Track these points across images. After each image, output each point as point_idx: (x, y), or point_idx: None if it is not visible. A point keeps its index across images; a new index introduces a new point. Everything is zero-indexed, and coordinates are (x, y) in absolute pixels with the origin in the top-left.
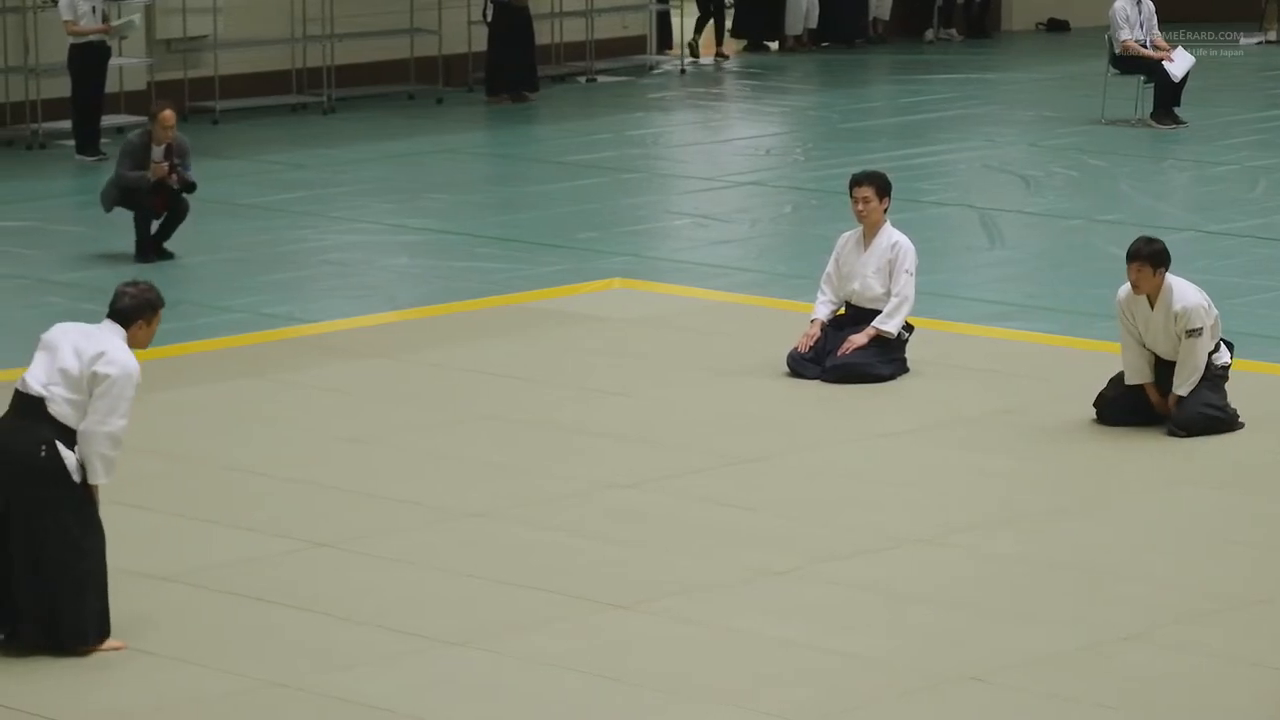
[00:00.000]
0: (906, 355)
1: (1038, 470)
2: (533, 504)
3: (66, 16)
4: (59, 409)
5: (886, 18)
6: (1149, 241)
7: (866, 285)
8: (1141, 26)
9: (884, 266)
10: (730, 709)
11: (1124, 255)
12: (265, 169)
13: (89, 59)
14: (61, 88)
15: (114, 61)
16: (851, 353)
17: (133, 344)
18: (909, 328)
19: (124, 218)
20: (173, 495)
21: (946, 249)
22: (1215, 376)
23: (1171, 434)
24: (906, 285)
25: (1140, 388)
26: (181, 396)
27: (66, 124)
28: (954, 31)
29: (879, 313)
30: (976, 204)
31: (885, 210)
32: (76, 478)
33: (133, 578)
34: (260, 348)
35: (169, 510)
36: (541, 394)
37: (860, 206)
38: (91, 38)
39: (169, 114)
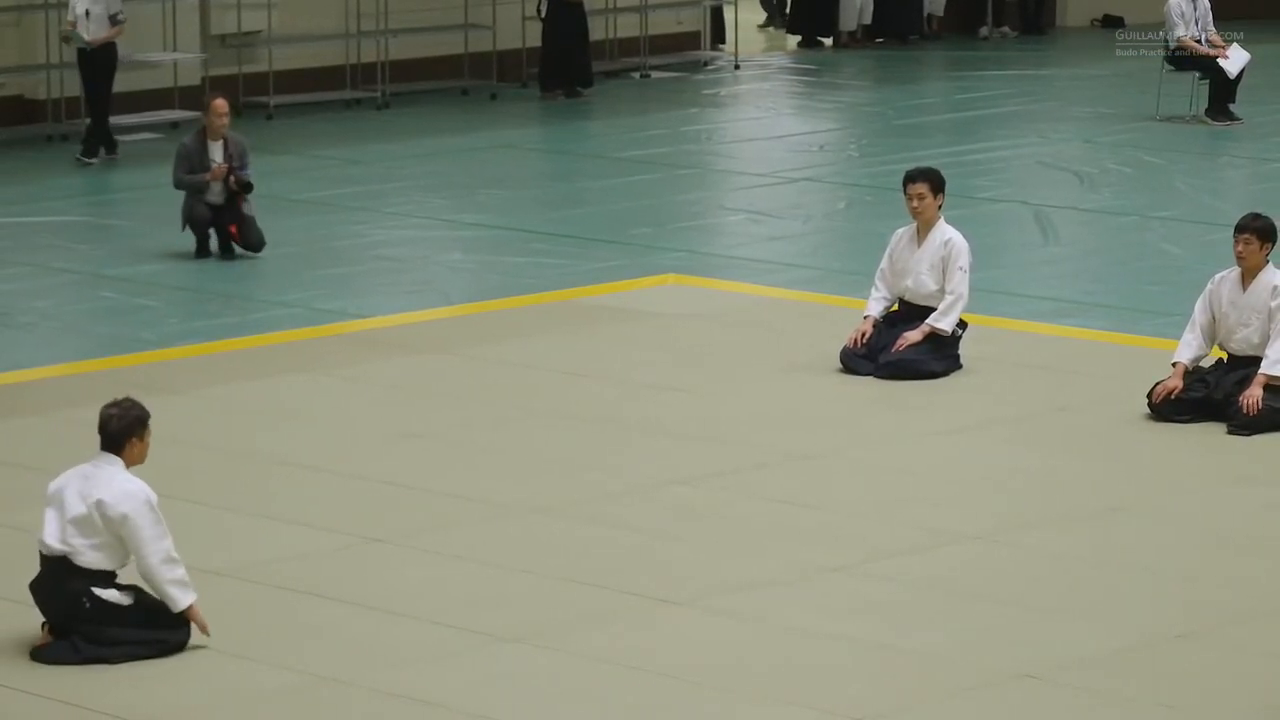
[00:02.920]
0: (960, 352)
1: (1093, 468)
2: (588, 500)
3: (69, 17)
4: (88, 559)
5: (941, 14)
6: (1257, 216)
7: (920, 282)
8: (1197, 23)
9: (937, 263)
10: (786, 705)
11: (1178, 252)
12: (319, 164)
13: (87, 60)
14: (116, 84)
15: (168, 56)
16: (905, 349)
17: (130, 462)
18: (962, 324)
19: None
20: (226, 490)
21: (1001, 246)
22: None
23: (1234, 433)
24: (961, 282)
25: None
26: (235, 391)
27: (120, 119)
28: (1008, 28)
29: (932, 310)
30: (1031, 200)
31: (939, 207)
32: (127, 601)
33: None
34: (314, 343)
35: (222, 505)
36: (595, 390)
37: (915, 203)
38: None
39: (220, 101)
